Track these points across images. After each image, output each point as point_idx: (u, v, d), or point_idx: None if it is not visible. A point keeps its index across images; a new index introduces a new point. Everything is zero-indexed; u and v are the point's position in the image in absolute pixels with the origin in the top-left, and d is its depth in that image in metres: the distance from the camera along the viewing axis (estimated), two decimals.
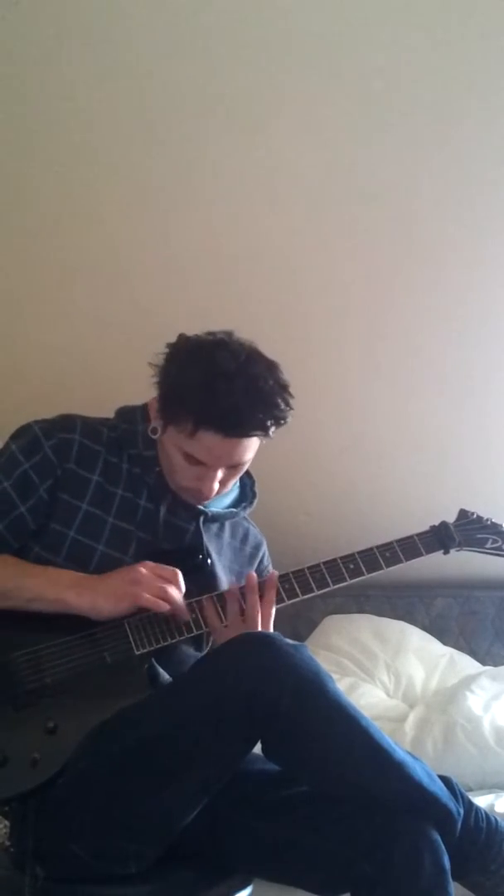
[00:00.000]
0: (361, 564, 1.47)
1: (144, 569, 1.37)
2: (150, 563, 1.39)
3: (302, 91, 1.80)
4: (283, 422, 1.40)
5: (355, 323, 2.30)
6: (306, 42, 1.72)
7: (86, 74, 1.78)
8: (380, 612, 2.92)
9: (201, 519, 1.51)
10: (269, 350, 1.45)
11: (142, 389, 1.50)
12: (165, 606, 1.36)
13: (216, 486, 1.43)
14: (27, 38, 1.72)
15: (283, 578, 1.46)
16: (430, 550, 1.50)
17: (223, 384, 1.33)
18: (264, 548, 1.66)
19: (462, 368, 2.39)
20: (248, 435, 1.38)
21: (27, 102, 1.84)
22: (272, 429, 1.39)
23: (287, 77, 1.78)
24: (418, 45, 1.72)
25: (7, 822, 1.29)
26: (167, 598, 1.36)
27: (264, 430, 1.38)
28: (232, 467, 1.44)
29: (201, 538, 1.51)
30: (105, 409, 1.56)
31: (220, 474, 1.42)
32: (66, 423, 1.48)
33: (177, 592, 1.37)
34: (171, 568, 1.39)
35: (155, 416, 1.46)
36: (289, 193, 2.01)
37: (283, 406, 1.38)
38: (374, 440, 2.61)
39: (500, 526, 1.55)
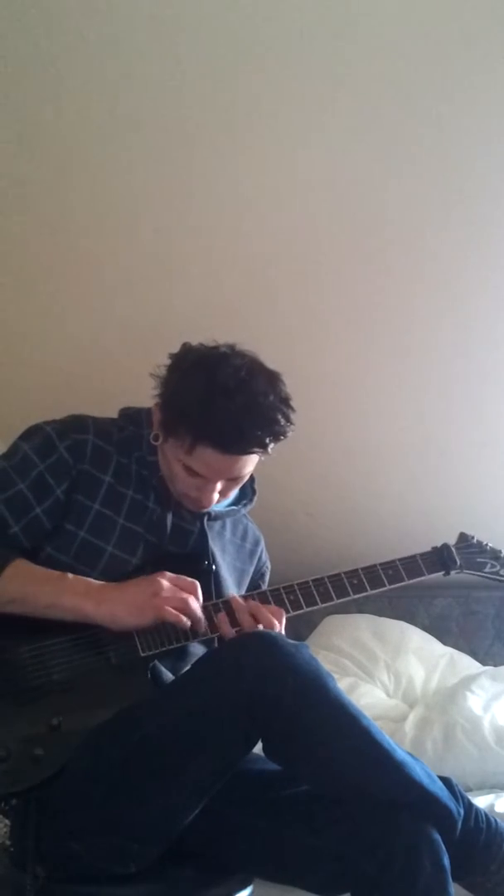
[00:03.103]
0: (365, 581, 1.49)
1: (164, 580, 1.36)
2: (169, 574, 1.38)
3: (303, 94, 1.80)
4: (282, 437, 1.40)
5: (357, 325, 2.30)
6: (308, 46, 1.72)
7: (87, 79, 1.78)
8: (380, 612, 2.93)
9: (205, 519, 1.52)
10: (270, 352, 1.45)
11: (143, 390, 1.50)
12: (187, 623, 1.35)
13: (216, 497, 1.44)
14: (28, 41, 1.72)
15: (289, 590, 1.47)
16: (431, 571, 1.52)
17: (222, 401, 1.33)
18: (262, 544, 1.67)
19: (463, 370, 2.40)
20: (247, 452, 1.39)
21: (26, 105, 1.84)
22: (271, 445, 1.39)
23: (288, 81, 1.78)
24: (420, 53, 1.72)
25: (8, 822, 1.29)
26: (188, 613, 1.35)
27: (263, 448, 1.39)
28: (231, 479, 1.44)
29: (206, 541, 1.51)
30: (106, 410, 1.56)
31: (219, 486, 1.43)
32: (78, 423, 1.47)
33: (197, 605, 1.37)
34: (190, 579, 1.39)
35: (156, 425, 1.46)
36: (289, 197, 2.01)
37: (282, 422, 1.38)
38: (374, 441, 2.61)
39: (499, 552, 1.57)
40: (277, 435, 1.39)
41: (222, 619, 1.41)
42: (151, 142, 1.91)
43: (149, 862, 1.29)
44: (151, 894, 1.30)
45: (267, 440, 1.37)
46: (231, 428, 1.34)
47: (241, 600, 1.44)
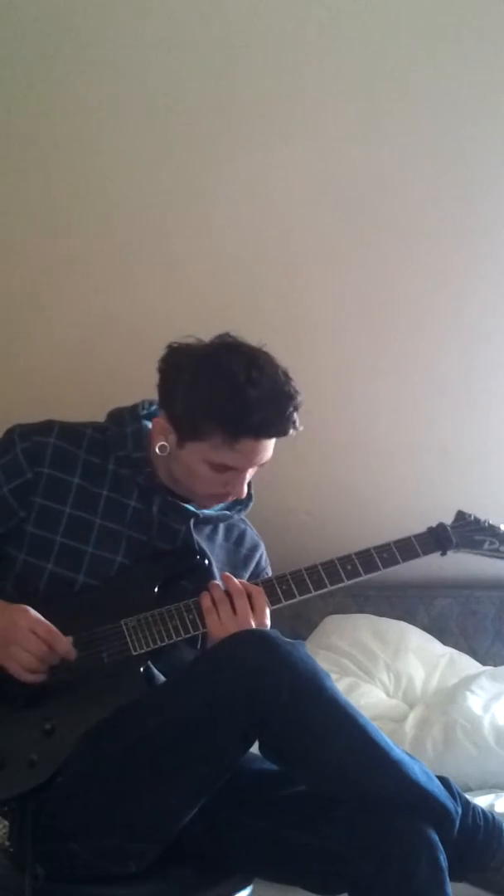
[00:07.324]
0: (359, 565, 1.46)
1: (23, 622, 1.31)
2: (31, 617, 1.32)
3: (303, 92, 1.81)
4: (301, 408, 1.40)
5: (356, 323, 2.30)
6: (307, 43, 1.72)
7: (91, 77, 1.79)
8: (380, 612, 2.92)
9: (192, 521, 1.50)
10: (271, 350, 1.44)
11: (144, 389, 1.50)
12: (34, 679, 1.32)
13: (246, 486, 1.45)
14: (30, 36, 1.72)
15: (281, 580, 1.45)
16: (427, 552, 1.49)
17: (252, 391, 1.34)
18: (261, 550, 1.64)
19: (462, 368, 2.40)
20: (284, 433, 1.40)
21: (32, 102, 1.84)
22: (298, 419, 1.40)
23: (288, 78, 1.78)
24: (419, 47, 1.73)
25: (7, 822, 1.29)
26: (35, 674, 1.32)
27: (294, 424, 1.40)
28: (260, 466, 1.45)
29: (192, 539, 1.50)
30: (107, 409, 1.56)
31: (250, 474, 1.44)
32: (43, 427, 1.47)
33: (50, 659, 1.32)
34: (46, 629, 1.31)
35: (162, 435, 1.44)
36: (290, 194, 2.01)
37: (297, 393, 1.39)
38: (374, 439, 2.61)
39: (498, 528, 1.53)
40: (298, 406, 1.39)
41: (205, 596, 1.40)
42: (147, 139, 1.91)
43: (148, 862, 1.29)
44: (151, 894, 1.30)
45: (295, 415, 1.39)
46: (267, 414, 1.35)
47: (219, 589, 1.42)
